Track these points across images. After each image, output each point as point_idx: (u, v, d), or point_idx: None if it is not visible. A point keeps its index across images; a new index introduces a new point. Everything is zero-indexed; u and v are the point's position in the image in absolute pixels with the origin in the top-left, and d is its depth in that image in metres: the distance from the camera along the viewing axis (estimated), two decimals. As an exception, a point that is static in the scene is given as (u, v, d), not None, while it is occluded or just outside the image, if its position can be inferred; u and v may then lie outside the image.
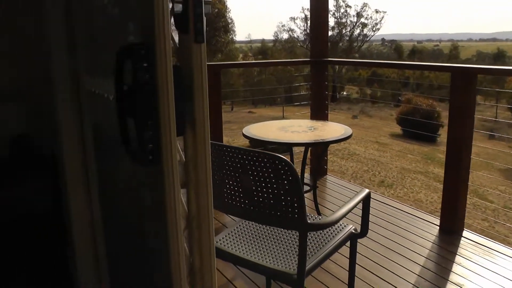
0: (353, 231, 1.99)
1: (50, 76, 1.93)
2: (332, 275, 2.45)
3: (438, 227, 3.07)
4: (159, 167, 0.83)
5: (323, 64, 4.23)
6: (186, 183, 0.90)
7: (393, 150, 17.55)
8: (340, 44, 37.16)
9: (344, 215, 1.73)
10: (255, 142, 2.76)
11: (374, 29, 37.78)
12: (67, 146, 1.93)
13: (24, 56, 2.70)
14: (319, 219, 2.05)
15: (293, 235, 1.96)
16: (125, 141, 0.89)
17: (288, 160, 1.50)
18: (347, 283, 2.31)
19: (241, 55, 37.19)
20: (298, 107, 13.79)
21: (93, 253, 1.99)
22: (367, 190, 1.98)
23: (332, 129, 3.10)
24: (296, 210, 1.57)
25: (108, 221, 1.78)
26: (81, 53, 1.78)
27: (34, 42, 2.30)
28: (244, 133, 2.86)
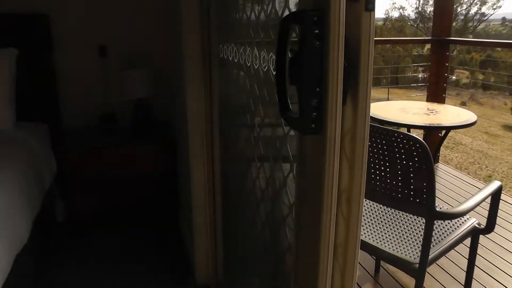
0: (477, 225, 1.86)
1: (181, 45, 2.01)
2: (444, 270, 2.31)
3: None
4: (321, 136, 0.82)
5: (446, 43, 3.94)
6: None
7: (504, 143, 16.05)
8: (454, 23, 34.18)
9: (474, 207, 1.62)
10: (374, 121, 2.66)
11: (494, 6, 33.94)
12: (192, 112, 2.02)
13: (157, 23, 2.86)
14: (440, 208, 1.94)
15: (413, 221, 1.87)
16: (283, 107, 0.89)
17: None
18: (460, 281, 2.18)
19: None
20: (404, 90, 13.10)
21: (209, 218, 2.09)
22: (498, 183, 1.82)
23: (454, 114, 2.90)
24: (425, 196, 1.49)
25: (232, 190, 1.84)
26: (214, 19, 1.82)
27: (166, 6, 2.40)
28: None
